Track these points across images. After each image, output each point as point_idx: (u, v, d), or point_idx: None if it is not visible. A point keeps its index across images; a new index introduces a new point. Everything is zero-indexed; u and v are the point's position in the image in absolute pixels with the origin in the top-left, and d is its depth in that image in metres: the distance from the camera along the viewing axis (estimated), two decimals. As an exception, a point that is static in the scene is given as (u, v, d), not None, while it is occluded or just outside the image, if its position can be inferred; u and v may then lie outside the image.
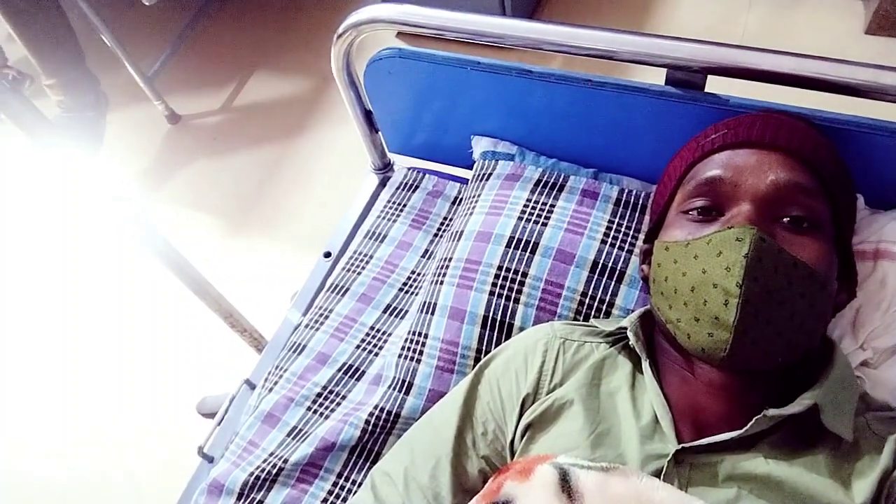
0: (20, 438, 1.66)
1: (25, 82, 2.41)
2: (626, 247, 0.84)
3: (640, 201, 0.88)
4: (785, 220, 0.59)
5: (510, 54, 0.98)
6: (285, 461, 0.85)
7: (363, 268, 1.03)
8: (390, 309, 0.98)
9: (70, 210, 2.06)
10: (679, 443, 0.58)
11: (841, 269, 0.64)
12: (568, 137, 0.94)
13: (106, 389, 1.68)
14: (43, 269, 1.98)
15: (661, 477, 0.56)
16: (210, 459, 0.95)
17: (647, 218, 0.86)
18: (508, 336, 0.81)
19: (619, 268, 0.83)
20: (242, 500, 0.84)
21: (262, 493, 0.84)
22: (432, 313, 0.87)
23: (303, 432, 0.88)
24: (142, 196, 2.04)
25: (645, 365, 0.65)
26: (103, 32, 1.91)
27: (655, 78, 0.84)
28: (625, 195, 0.89)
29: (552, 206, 0.88)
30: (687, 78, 0.80)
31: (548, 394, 0.67)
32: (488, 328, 0.83)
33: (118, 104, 2.24)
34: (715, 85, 0.79)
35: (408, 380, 0.86)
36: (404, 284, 1.00)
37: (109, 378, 1.70)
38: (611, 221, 0.86)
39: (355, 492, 0.81)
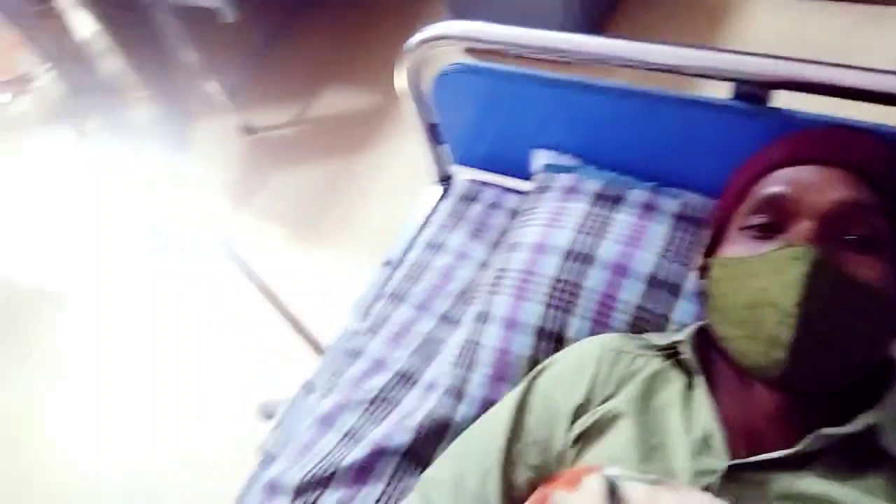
0: (95, 435, 1.77)
1: (118, 93, 2.57)
2: (685, 261, 0.83)
3: (701, 216, 0.86)
4: (847, 238, 0.58)
5: (573, 68, 0.99)
6: (339, 463, 0.87)
7: (421, 277, 1.05)
8: (446, 317, 0.99)
9: (151, 215, 2.18)
10: (731, 460, 0.57)
11: None
12: (629, 151, 0.94)
13: (176, 391, 1.77)
14: (119, 269, 2.10)
15: (711, 492, 0.55)
16: (269, 459, 0.98)
17: (706, 233, 0.85)
18: (561, 347, 0.81)
19: (676, 282, 0.82)
20: (298, 499, 0.87)
21: (316, 493, 0.86)
22: (486, 323, 0.88)
23: (357, 436, 0.90)
24: (216, 204, 2.14)
25: (699, 380, 0.64)
26: (188, 48, 2.03)
27: (720, 92, 0.83)
28: (685, 210, 0.87)
29: (610, 218, 0.88)
30: (752, 92, 0.78)
31: (599, 405, 0.67)
32: (542, 339, 0.83)
33: (198, 116, 2.37)
34: (782, 99, 0.78)
35: (460, 388, 0.87)
36: (461, 294, 1.02)
37: (179, 380, 1.78)
38: (670, 235, 0.85)
39: (406, 496, 0.82)
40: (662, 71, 0.79)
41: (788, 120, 0.76)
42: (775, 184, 0.63)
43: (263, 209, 2.11)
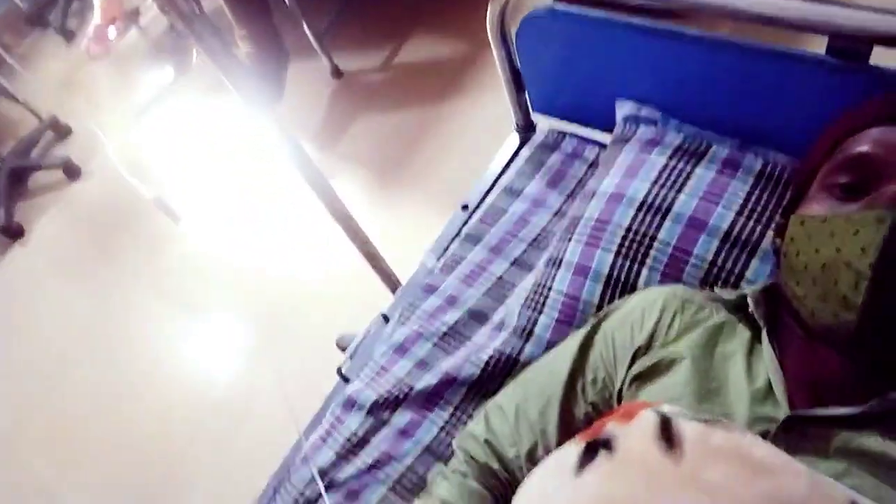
0: (192, 352, 1.93)
1: (218, 31, 2.68)
2: (764, 220, 0.82)
3: (785, 176, 0.85)
4: None
5: (663, 17, 0.97)
6: (411, 388, 0.94)
7: (497, 221, 1.08)
8: (518, 262, 1.03)
9: (247, 153, 2.29)
10: (792, 410, 0.58)
11: None
12: (715, 105, 0.92)
13: (263, 312, 1.90)
14: (216, 200, 2.23)
15: (768, 439, 0.57)
16: (346, 380, 1.06)
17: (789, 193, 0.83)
18: (630, 297, 0.83)
19: (752, 240, 0.81)
20: (371, 416, 0.94)
21: (388, 412, 0.94)
22: (558, 268, 0.91)
23: (429, 365, 0.97)
24: (308, 143, 2.22)
25: (763, 333, 0.65)
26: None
27: (816, 47, 0.80)
28: (769, 168, 0.86)
29: (690, 173, 0.88)
30: (850, 47, 0.75)
31: (661, 348, 0.69)
32: (611, 287, 0.86)
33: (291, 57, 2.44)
34: (881, 56, 0.74)
35: (528, 328, 0.91)
36: (534, 240, 1.05)
37: (268, 303, 1.91)
38: (750, 193, 0.84)
39: (469, 423, 0.88)
40: (756, 22, 0.77)
41: (884, 79, 0.73)
42: (864, 143, 0.61)
43: (349, 151, 2.18)
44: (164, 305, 2.06)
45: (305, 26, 2.17)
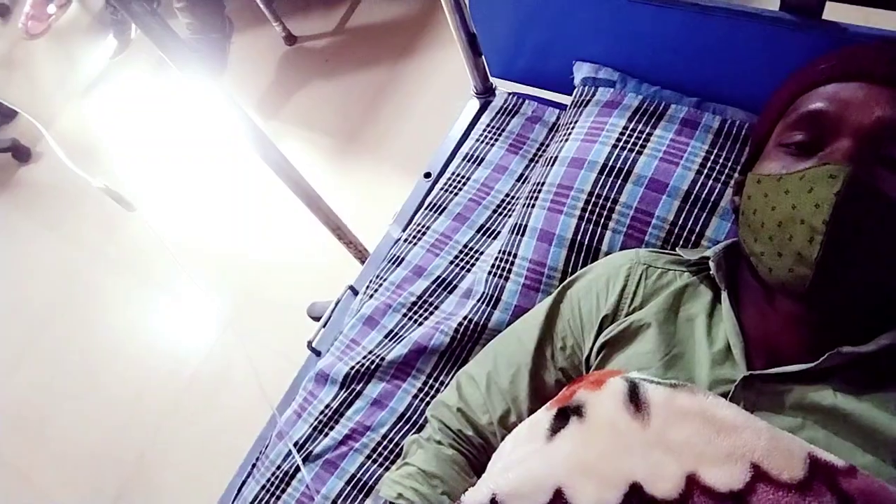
0: (163, 329, 1.90)
1: (154, 2, 2.56)
2: (723, 178, 0.84)
3: (744, 132, 0.86)
4: (887, 158, 0.57)
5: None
6: (382, 359, 0.94)
7: (460, 189, 1.08)
8: (483, 229, 1.03)
9: (196, 125, 2.23)
10: (749, 370, 0.60)
11: None
12: (673, 65, 0.92)
13: (229, 290, 1.88)
14: (171, 180, 2.18)
15: (727, 399, 0.59)
16: (318, 353, 1.06)
17: (747, 150, 0.85)
18: (595, 260, 0.85)
19: (712, 199, 0.83)
20: (344, 389, 0.95)
21: (361, 384, 0.94)
22: (523, 234, 0.91)
23: (398, 335, 0.97)
24: (259, 115, 2.17)
25: (723, 294, 0.66)
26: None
27: (770, 4, 0.80)
28: (727, 126, 0.87)
29: (649, 134, 0.88)
30: (803, 3, 0.76)
31: (626, 315, 0.70)
32: (575, 251, 0.86)
33: (239, 26, 2.36)
34: (835, 11, 0.75)
35: (496, 295, 0.91)
36: (498, 206, 1.04)
37: (233, 281, 1.89)
38: (709, 152, 0.85)
39: (442, 391, 0.89)
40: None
41: (839, 34, 0.74)
42: (817, 100, 0.62)
43: (306, 119, 2.13)
44: (128, 284, 2.02)
45: (254, -9, 2.09)
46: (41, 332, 2.04)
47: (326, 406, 0.94)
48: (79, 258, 2.14)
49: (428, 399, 0.91)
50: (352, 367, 0.94)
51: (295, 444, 0.93)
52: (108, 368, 1.89)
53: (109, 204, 1.93)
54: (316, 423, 0.94)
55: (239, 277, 1.89)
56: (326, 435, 0.93)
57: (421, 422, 0.90)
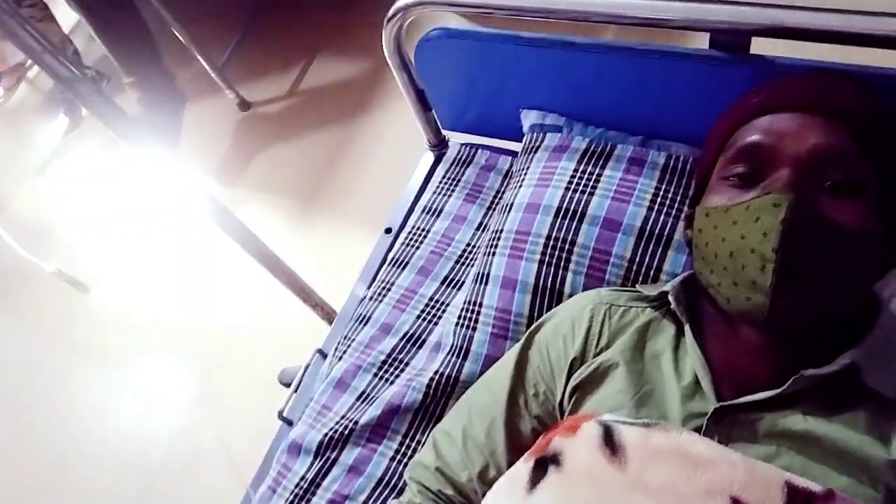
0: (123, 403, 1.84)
1: (104, 81, 2.57)
2: (674, 213, 0.85)
3: (689, 166, 0.88)
4: (825, 184, 0.59)
5: (558, 27, 1.00)
6: (356, 423, 0.92)
7: (421, 242, 1.08)
8: (448, 280, 1.03)
9: (151, 200, 2.20)
10: (719, 402, 0.61)
11: (889, 230, 0.64)
12: (615, 106, 0.95)
13: (196, 364, 1.83)
14: (127, 257, 2.14)
15: (701, 433, 0.59)
16: (289, 423, 1.03)
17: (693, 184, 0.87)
18: (559, 303, 0.85)
19: (665, 234, 0.84)
20: (319, 458, 0.92)
21: (336, 451, 0.92)
22: (486, 283, 0.91)
23: (371, 396, 0.95)
24: (218, 183, 2.16)
25: (686, 328, 0.67)
26: (175, 27, 2.02)
27: (701, 43, 0.84)
28: (672, 161, 0.89)
29: (599, 175, 0.90)
30: (731, 41, 0.80)
31: (594, 357, 0.70)
32: (539, 296, 0.87)
33: (192, 96, 2.37)
34: (761, 46, 0.78)
35: (465, 346, 0.91)
36: (460, 257, 1.05)
37: (199, 354, 1.84)
38: (657, 188, 0.87)
39: (419, 450, 0.87)
40: (641, 25, 0.80)
41: (768, 66, 0.77)
42: (752, 133, 0.64)
43: (265, 183, 2.13)
44: (90, 366, 1.95)
45: (203, 62, 2.11)
46: (2, 424, 1.95)
47: (301, 478, 0.91)
48: (36, 344, 2.07)
49: (405, 460, 0.89)
50: (325, 435, 0.92)
51: (272, 521, 0.90)
52: (76, 455, 1.81)
53: (65, 286, 1.90)
54: (292, 496, 0.91)
55: (204, 349, 1.84)
56: (304, 508, 0.90)
57: (400, 485, 0.88)
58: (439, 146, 1.21)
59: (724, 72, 0.81)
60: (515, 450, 0.72)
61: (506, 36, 0.93)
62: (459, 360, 0.91)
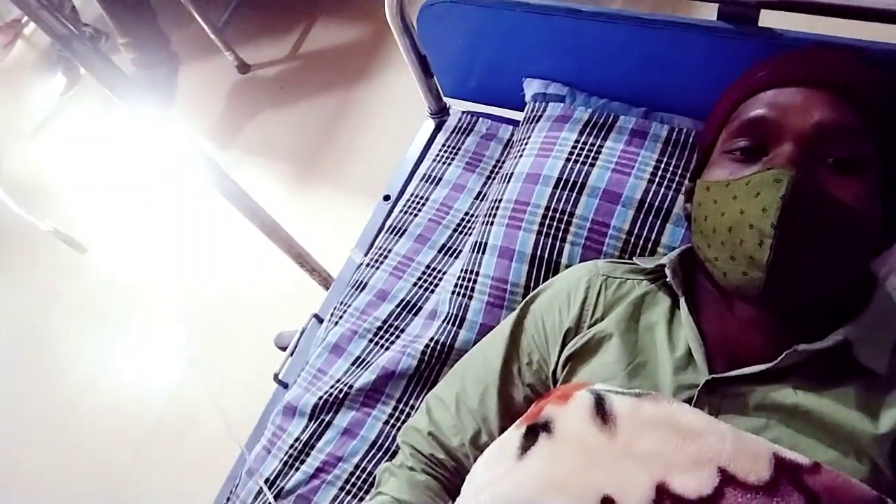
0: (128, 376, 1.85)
1: (101, 39, 2.53)
2: (674, 186, 0.85)
3: (691, 140, 0.88)
4: (828, 160, 0.58)
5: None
6: (351, 387, 0.93)
7: (419, 210, 1.08)
8: (445, 249, 1.03)
9: (148, 162, 2.19)
10: (711, 374, 0.61)
11: (888, 210, 0.64)
12: (619, 77, 0.94)
13: (193, 326, 1.84)
14: (124, 219, 2.13)
15: (692, 404, 0.59)
16: (285, 385, 1.04)
17: (694, 157, 0.86)
18: (555, 273, 0.85)
19: (665, 207, 0.84)
20: (313, 421, 0.93)
21: (330, 414, 0.93)
22: (483, 252, 0.91)
23: (366, 362, 0.96)
24: (214, 145, 2.15)
25: (681, 301, 0.67)
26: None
27: (710, 14, 0.83)
28: (675, 134, 0.89)
29: (600, 146, 0.89)
30: (739, 12, 0.78)
31: (589, 328, 0.71)
32: (536, 266, 0.87)
33: (191, 58, 2.34)
34: (770, 19, 0.77)
35: (461, 315, 0.91)
36: (458, 225, 1.05)
37: (196, 317, 1.85)
38: (659, 160, 0.87)
39: (413, 415, 0.88)
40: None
41: (775, 40, 0.76)
42: (757, 107, 0.63)
43: (262, 147, 2.12)
44: (86, 327, 1.96)
45: (202, 22, 2.07)
46: (1, 380, 1.97)
47: (296, 439, 0.93)
48: (33, 303, 2.08)
49: (399, 424, 0.90)
50: (320, 398, 0.93)
51: (266, 481, 0.91)
52: (73, 413, 1.83)
53: (61, 246, 1.90)
54: (286, 457, 0.92)
55: (201, 312, 1.85)
56: (298, 469, 0.91)
57: (393, 448, 0.89)
58: (440, 114, 1.20)
59: (731, 44, 0.80)
60: (508, 417, 0.73)
61: (511, 2, 0.92)
62: (455, 328, 0.91)
